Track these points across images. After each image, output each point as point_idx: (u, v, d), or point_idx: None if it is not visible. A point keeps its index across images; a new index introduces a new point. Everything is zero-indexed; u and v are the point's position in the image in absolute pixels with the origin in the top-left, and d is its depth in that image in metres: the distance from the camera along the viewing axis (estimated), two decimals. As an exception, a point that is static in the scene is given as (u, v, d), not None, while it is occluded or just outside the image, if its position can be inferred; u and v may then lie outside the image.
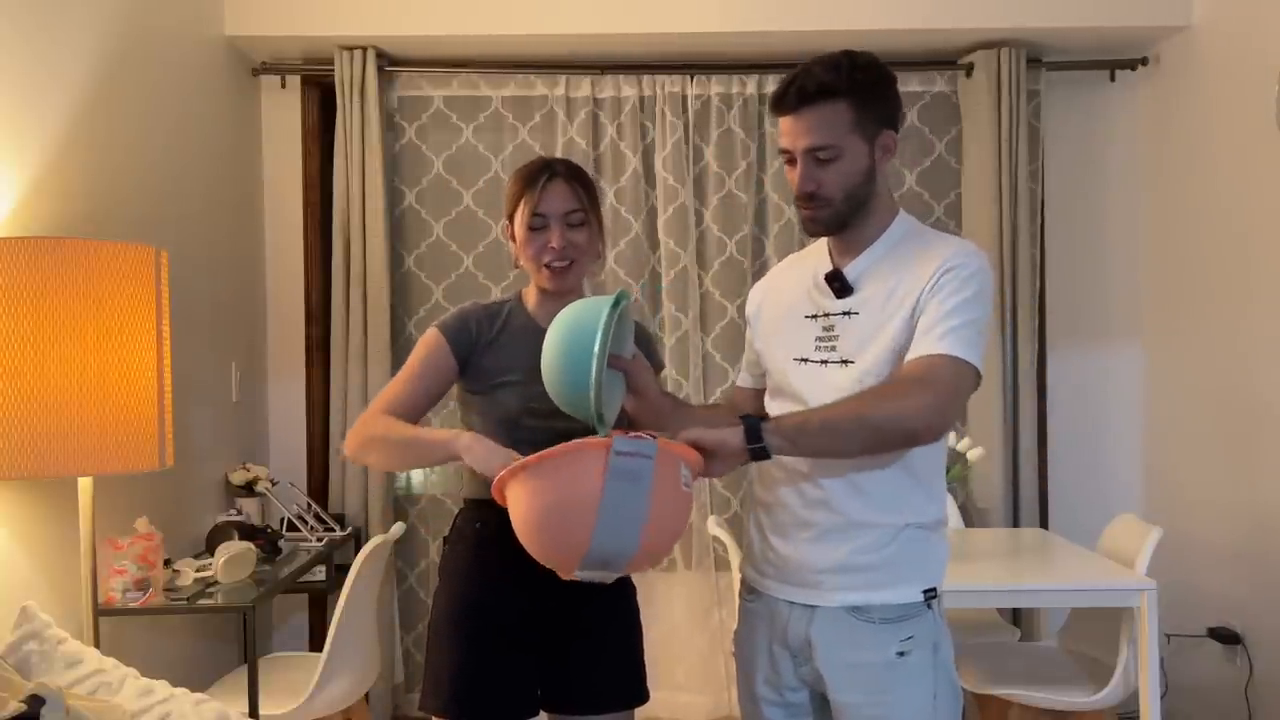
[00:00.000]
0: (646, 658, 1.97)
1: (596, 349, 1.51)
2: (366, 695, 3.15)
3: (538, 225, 1.80)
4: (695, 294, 3.63)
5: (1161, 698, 2.72)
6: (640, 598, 1.97)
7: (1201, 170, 3.37)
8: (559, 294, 1.85)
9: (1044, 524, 3.68)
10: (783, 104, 1.58)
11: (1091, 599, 2.67)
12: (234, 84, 3.47)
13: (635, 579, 1.97)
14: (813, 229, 1.64)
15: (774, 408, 1.69)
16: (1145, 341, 3.73)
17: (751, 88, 3.62)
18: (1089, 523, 3.58)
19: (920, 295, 1.55)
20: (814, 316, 1.66)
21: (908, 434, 1.50)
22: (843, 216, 1.60)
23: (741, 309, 3.63)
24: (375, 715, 3.49)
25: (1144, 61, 3.63)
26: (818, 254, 1.72)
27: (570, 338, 1.56)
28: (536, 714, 1.84)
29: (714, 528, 3.08)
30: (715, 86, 3.62)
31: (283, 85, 3.67)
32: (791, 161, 1.61)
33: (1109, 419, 3.76)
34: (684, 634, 3.66)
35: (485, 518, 1.83)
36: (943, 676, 1.60)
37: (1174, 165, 3.54)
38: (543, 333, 1.81)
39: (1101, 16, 3.39)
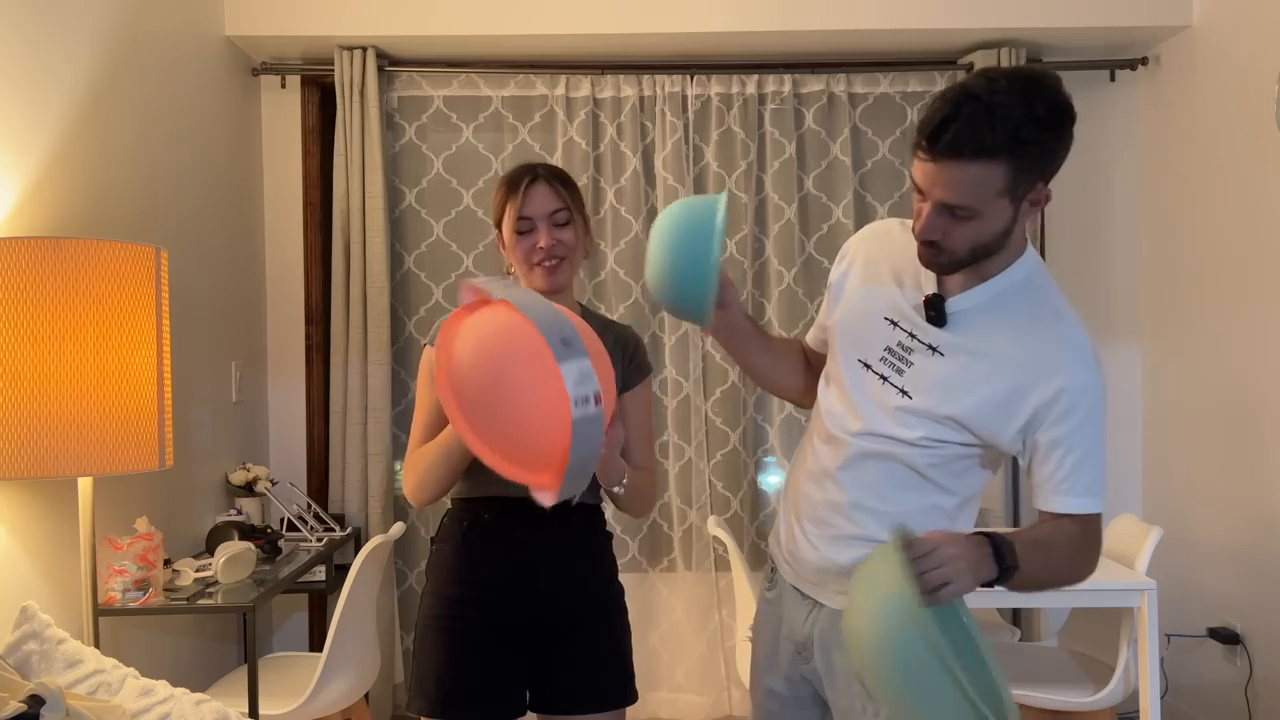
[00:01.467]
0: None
1: (715, 242, 1.45)
2: (366, 695, 3.15)
3: (524, 229, 1.81)
4: (695, 294, 3.62)
5: (1161, 698, 2.72)
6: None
7: (1201, 170, 3.37)
8: (554, 292, 1.85)
9: (1044, 524, 3.67)
10: (931, 147, 1.36)
11: (1091, 599, 2.67)
12: (234, 84, 3.47)
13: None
14: (928, 266, 1.48)
15: (828, 397, 1.61)
16: (1145, 341, 3.73)
17: (751, 88, 3.62)
18: (1089, 523, 3.57)
19: (1026, 397, 1.42)
20: (894, 323, 1.53)
21: (1072, 584, 1.48)
22: (963, 265, 1.45)
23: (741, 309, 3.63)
24: (375, 715, 3.49)
25: (1144, 61, 3.63)
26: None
27: (686, 232, 1.49)
28: (524, 714, 1.84)
29: (714, 528, 3.08)
30: (715, 86, 3.62)
31: (283, 85, 3.68)
32: (920, 194, 1.42)
33: (1109, 419, 3.75)
34: (684, 634, 3.66)
35: (473, 518, 1.84)
36: None
37: (1174, 165, 3.54)
38: None
39: (1101, 16, 3.39)
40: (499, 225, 1.85)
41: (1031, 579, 1.40)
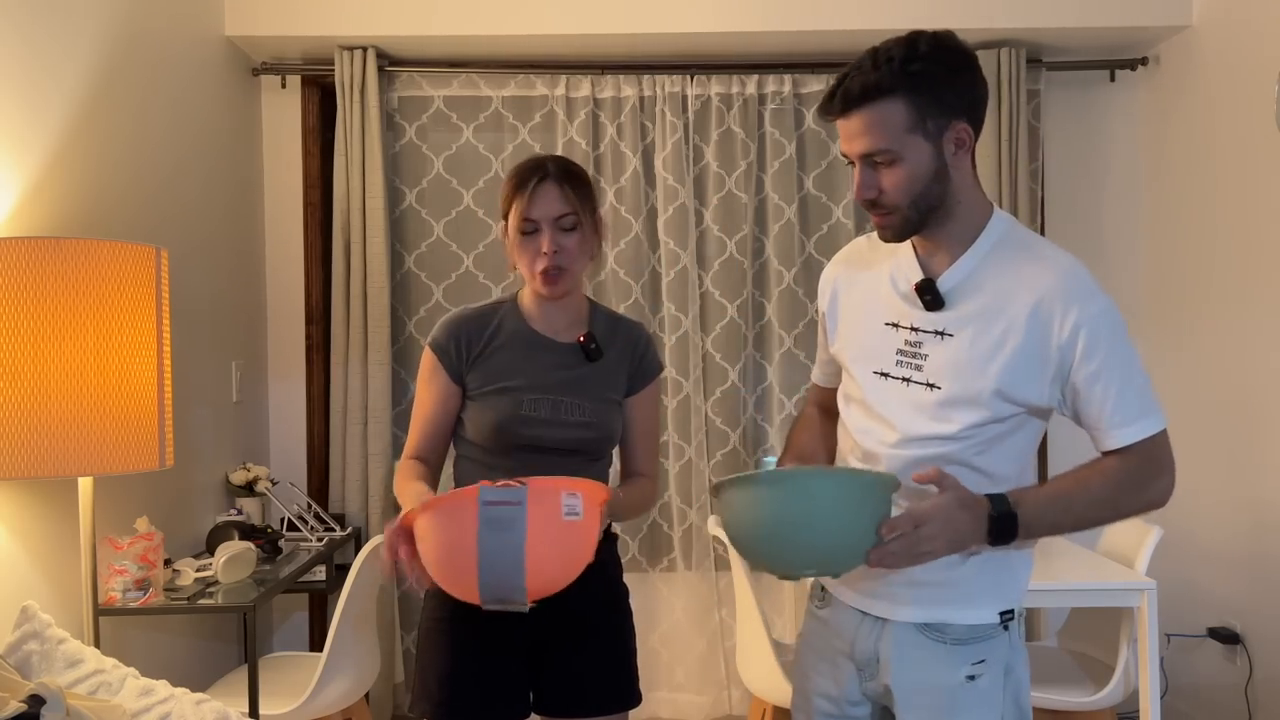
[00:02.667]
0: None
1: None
2: (366, 695, 3.15)
3: (529, 230, 1.76)
4: (695, 294, 3.63)
5: (1161, 698, 2.72)
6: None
7: (1201, 170, 3.37)
8: (553, 299, 1.83)
9: (1044, 524, 3.67)
10: (829, 108, 1.43)
11: (1091, 599, 2.67)
12: (234, 84, 3.47)
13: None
14: (884, 236, 1.49)
15: (852, 415, 1.58)
16: (1145, 341, 3.73)
17: (751, 88, 3.62)
18: (1089, 523, 3.57)
19: (1048, 343, 1.41)
20: (895, 325, 1.52)
21: (1151, 510, 1.47)
22: (913, 223, 1.45)
23: (741, 309, 3.64)
24: (375, 715, 3.49)
25: (1144, 61, 3.63)
26: (899, 247, 1.54)
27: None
28: (527, 716, 1.83)
29: (714, 528, 3.08)
30: (715, 86, 3.62)
31: (283, 85, 3.68)
32: (851, 162, 1.47)
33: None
34: (684, 634, 3.66)
35: None
36: (1010, 701, 1.50)
37: (1174, 165, 3.54)
38: (537, 338, 1.82)
39: (1101, 16, 3.39)
40: (505, 217, 1.81)
41: (1056, 528, 1.42)
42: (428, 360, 1.84)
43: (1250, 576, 3.13)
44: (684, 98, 3.62)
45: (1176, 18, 3.39)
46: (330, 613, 2.93)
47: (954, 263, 1.47)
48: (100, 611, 2.27)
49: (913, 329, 1.49)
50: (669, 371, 3.61)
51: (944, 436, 1.46)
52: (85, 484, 2.13)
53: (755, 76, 3.61)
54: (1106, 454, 1.45)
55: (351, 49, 3.48)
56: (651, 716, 3.60)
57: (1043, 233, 3.70)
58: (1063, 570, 2.77)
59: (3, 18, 2.20)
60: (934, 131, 1.40)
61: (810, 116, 3.66)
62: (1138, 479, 1.43)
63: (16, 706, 1.58)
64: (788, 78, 3.61)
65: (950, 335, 1.46)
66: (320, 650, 2.68)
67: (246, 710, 2.47)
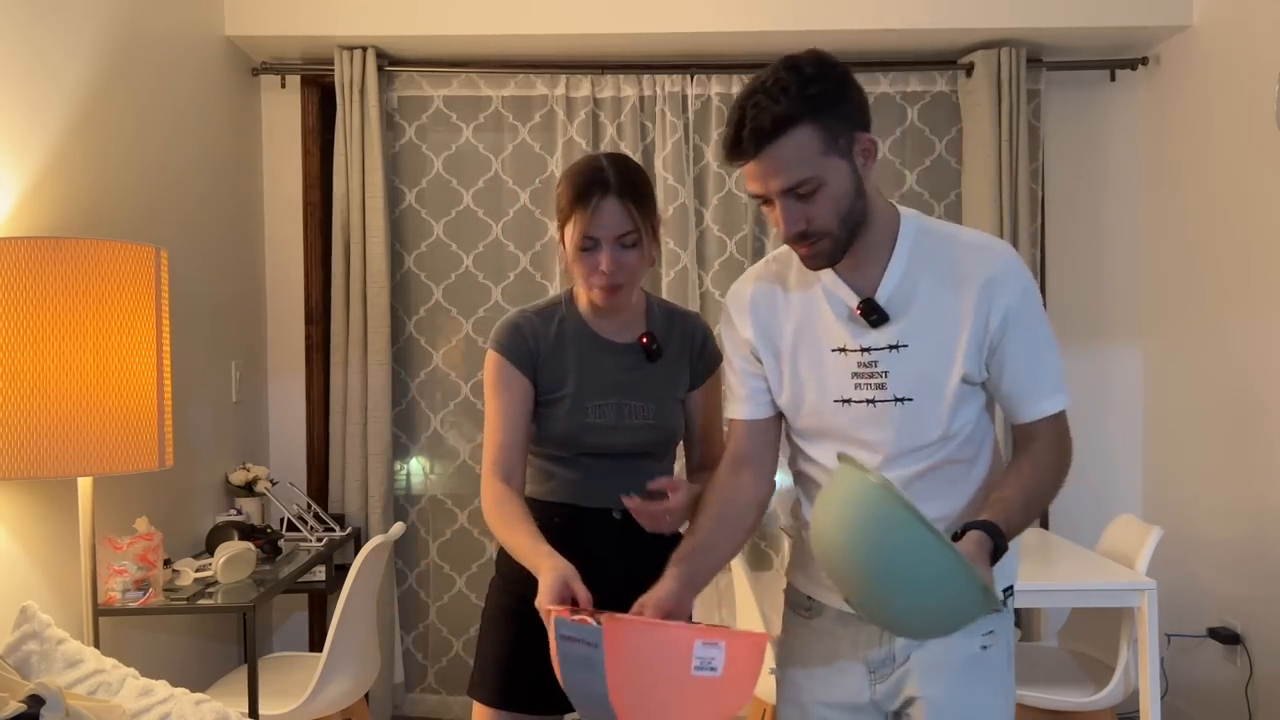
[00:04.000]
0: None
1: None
2: (366, 695, 3.15)
3: (588, 246, 1.70)
4: (695, 294, 3.62)
5: (1161, 698, 2.72)
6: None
7: (1201, 170, 3.37)
8: (611, 312, 1.81)
9: (1044, 524, 3.68)
10: (739, 150, 1.39)
11: (1092, 599, 2.67)
12: (234, 84, 3.47)
13: None
14: (817, 265, 1.45)
15: (821, 448, 1.54)
16: (1145, 341, 3.73)
17: (751, 88, 3.62)
18: (1089, 523, 3.58)
19: (985, 327, 1.43)
20: (843, 350, 1.49)
21: (1066, 469, 1.49)
22: (843, 244, 1.43)
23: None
24: (375, 715, 3.49)
25: (1144, 61, 3.63)
26: (814, 273, 1.51)
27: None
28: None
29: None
30: (715, 86, 3.62)
31: (283, 85, 3.68)
32: (767, 202, 1.43)
33: (1109, 419, 3.76)
34: (684, 634, 3.65)
35: (545, 519, 1.76)
36: (1011, 674, 1.56)
37: (1174, 165, 3.54)
38: (597, 339, 1.80)
39: (1101, 16, 3.39)
40: (561, 227, 1.75)
41: (1019, 532, 1.42)
42: (498, 365, 1.78)
43: (1250, 576, 3.13)
44: (684, 98, 3.62)
45: (1176, 18, 3.39)
46: (330, 613, 2.93)
47: (883, 273, 1.46)
48: (100, 611, 2.27)
49: (862, 350, 1.48)
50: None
51: (932, 443, 1.48)
52: (85, 484, 2.13)
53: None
54: (1023, 429, 1.49)
55: (351, 49, 3.48)
56: (651, 716, 3.59)
57: (1043, 233, 3.70)
58: (1063, 570, 2.77)
59: (3, 17, 2.20)
60: (845, 148, 1.40)
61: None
62: (1060, 453, 1.48)
63: (16, 706, 1.58)
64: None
65: (905, 346, 1.46)
66: (320, 650, 2.68)
67: (246, 710, 2.47)
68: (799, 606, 1.66)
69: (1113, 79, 3.69)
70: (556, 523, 1.79)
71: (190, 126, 3.10)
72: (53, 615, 2.15)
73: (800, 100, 1.35)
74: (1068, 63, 3.64)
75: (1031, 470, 1.45)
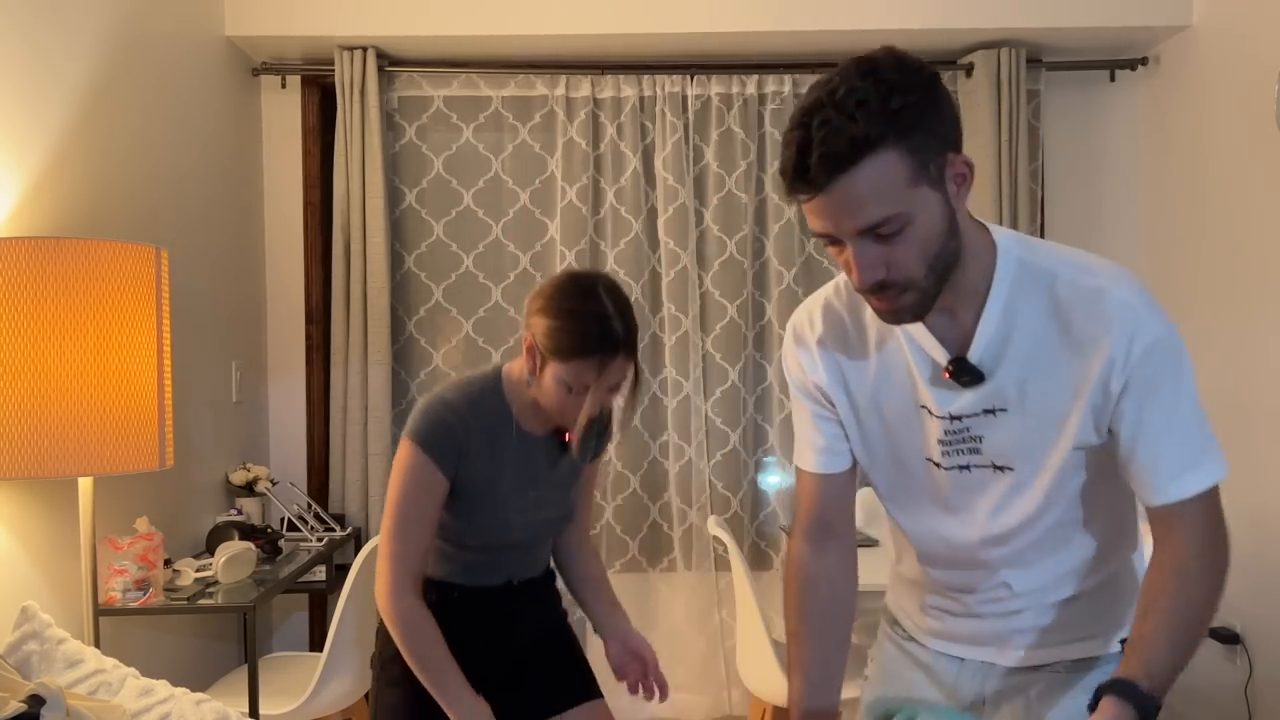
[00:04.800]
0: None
1: None
2: (366, 695, 3.15)
3: (578, 390, 1.63)
4: (695, 294, 3.63)
5: (1161, 698, 2.71)
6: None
7: (1201, 170, 3.37)
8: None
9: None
10: (805, 181, 1.09)
11: (1091, 599, 2.66)
12: (234, 84, 3.47)
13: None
14: (894, 320, 1.18)
15: (902, 515, 1.37)
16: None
17: (751, 88, 3.62)
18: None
19: (1105, 390, 1.16)
20: (927, 410, 1.27)
21: (1224, 574, 1.19)
22: (932, 296, 1.15)
23: (741, 309, 3.64)
24: (375, 715, 3.49)
25: (1144, 61, 3.63)
26: None
27: None
28: None
29: (714, 528, 3.08)
30: (715, 86, 3.62)
31: (283, 85, 3.68)
32: (834, 242, 1.14)
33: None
34: (684, 634, 3.66)
35: (439, 595, 1.81)
36: None
37: (1174, 165, 3.54)
38: (523, 435, 1.75)
39: (1101, 16, 3.39)
40: (546, 351, 1.62)
41: (1179, 670, 1.15)
42: (421, 467, 1.66)
43: (1250, 577, 3.13)
44: (684, 98, 3.62)
45: (1176, 18, 3.39)
46: (330, 613, 2.93)
47: (977, 321, 1.20)
48: (100, 611, 2.27)
49: (951, 417, 1.24)
50: (669, 371, 3.61)
51: (1037, 512, 1.26)
52: (85, 484, 2.13)
53: (755, 76, 3.61)
54: (1158, 514, 1.18)
55: (351, 49, 3.48)
56: (652, 717, 3.60)
57: (1043, 233, 3.70)
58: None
59: (3, 17, 2.20)
60: (936, 175, 1.10)
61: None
62: (1214, 563, 1.16)
63: (16, 706, 1.58)
64: (788, 78, 3.61)
65: (1003, 410, 1.21)
66: (320, 650, 2.68)
67: (246, 710, 2.47)
68: (891, 624, 1.52)
69: (1113, 79, 3.69)
70: (455, 597, 1.81)
71: (190, 127, 3.10)
72: (53, 615, 2.15)
73: (883, 117, 1.06)
74: (1068, 63, 3.64)
75: (1177, 588, 1.15)
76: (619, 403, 1.71)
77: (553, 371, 1.62)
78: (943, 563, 1.36)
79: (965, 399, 1.23)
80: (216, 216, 3.29)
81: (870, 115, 1.05)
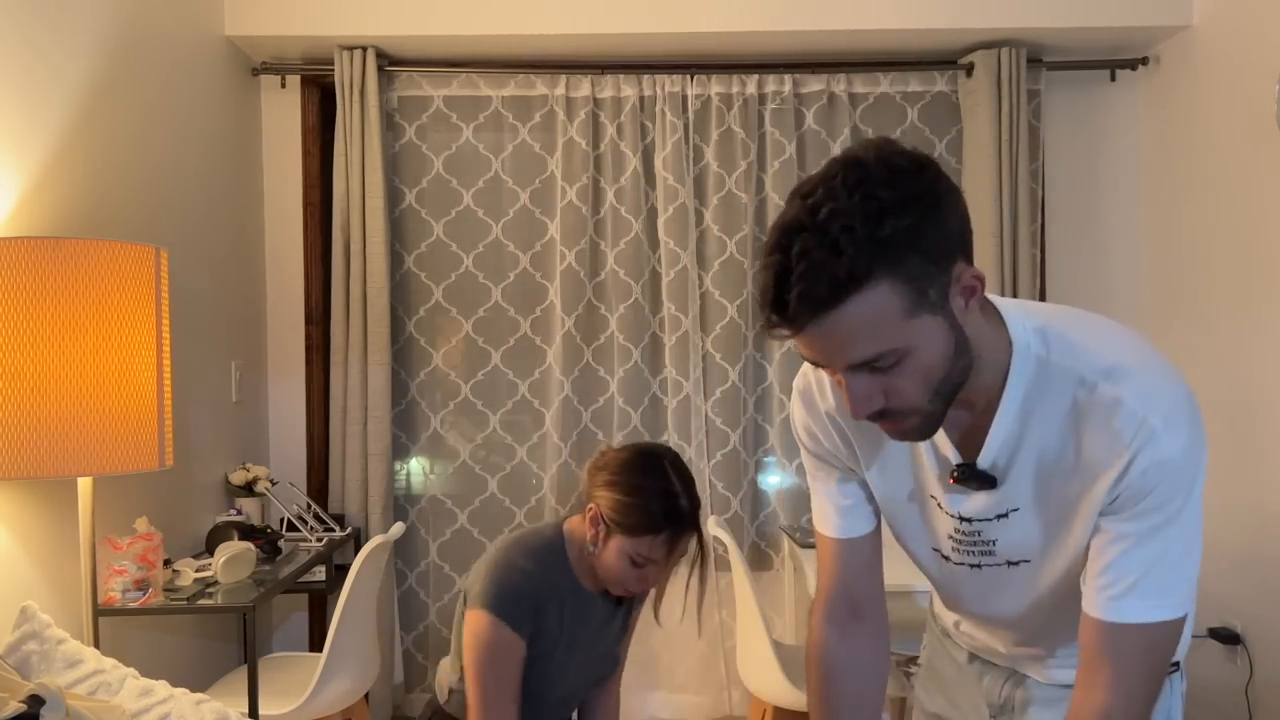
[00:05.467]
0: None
1: None
2: (366, 695, 3.15)
3: (641, 564, 1.68)
4: (695, 294, 3.63)
5: (1162, 698, 2.71)
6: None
7: (1201, 170, 3.37)
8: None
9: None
10: (784, 317, 0.98)
11: (1092, 599, 2.66)
12: (234, 84, 3.47)
13: None
14: (902, 439, 1.10)
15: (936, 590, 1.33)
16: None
17: (751, 88, 3.62)
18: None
19: (1101, 493, 1.08)
20: (939, 504, 1.20)
21: None
22: (938, 418, 1.06)
23: (741, 309, 3.64)
24: (375, 715, 3.49)
25: (1144, 61, 3.63)
26: None
27: None
28: None
29: (714, 528, 3.08)
30: (715, 86, 3.62)
31: (283, 85, 3.68)
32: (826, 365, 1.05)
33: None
34: (684, 634, 3.66)
35: None
36: None
37: (1174, 165, 3.54)
38: (581, 594, 1.78)
39: (1101, 16, 3.39)
40: (613, 522, 1.66)
41: None
42: (499, 634, 1.64)
43: (1250, 576, 3.13)
44: (684, 98, 3.62)
45: (1176, 18, 3.39)
46: (330, 613, 2.93)
47: (988, 427, 1.12)
48: (100, 612, 2.27)
49: (962, 519, 1.18)
50: (669, 371, 3.61)
51: (1051, 593, 1.19)
52: (85, 484, 2.13)
53: (755, 76, 3.61)
54: (1089, 630, 1.10)
55: (351, 49, 3.48)
56: (651, 717, 3.60)
57: (1043, 233, 3.69)
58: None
59: (3, 17, 2.20)
60: (938, 299, 0.99)
61: (810, 116, 3.66)
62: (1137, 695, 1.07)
63: (16, 707, 1.57)
64: (788, 78, 3.61)
65: (1016, 510, 1.14)
66: (320, 650, 2.68)
67: (246, 710, 2.47)
68: (935, 619, 1.49)
69: (1113, 79, 3.69)
70: None
71: (190, 126, 3.10)
72: (53, 615, 2.15)
73: (872, 247, 0.93)
74: (1068, 63, 3.64)
75: None
76: (668, 572, 1.74)
77: (618, 545, 1.66)
78: (968, 624, 1.36)
79: (976, 502, 1.15)
80: (216, 216, 3.29)
81: (857, 246, 0.93)
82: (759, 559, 3.71)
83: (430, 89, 3.66)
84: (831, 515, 1.29)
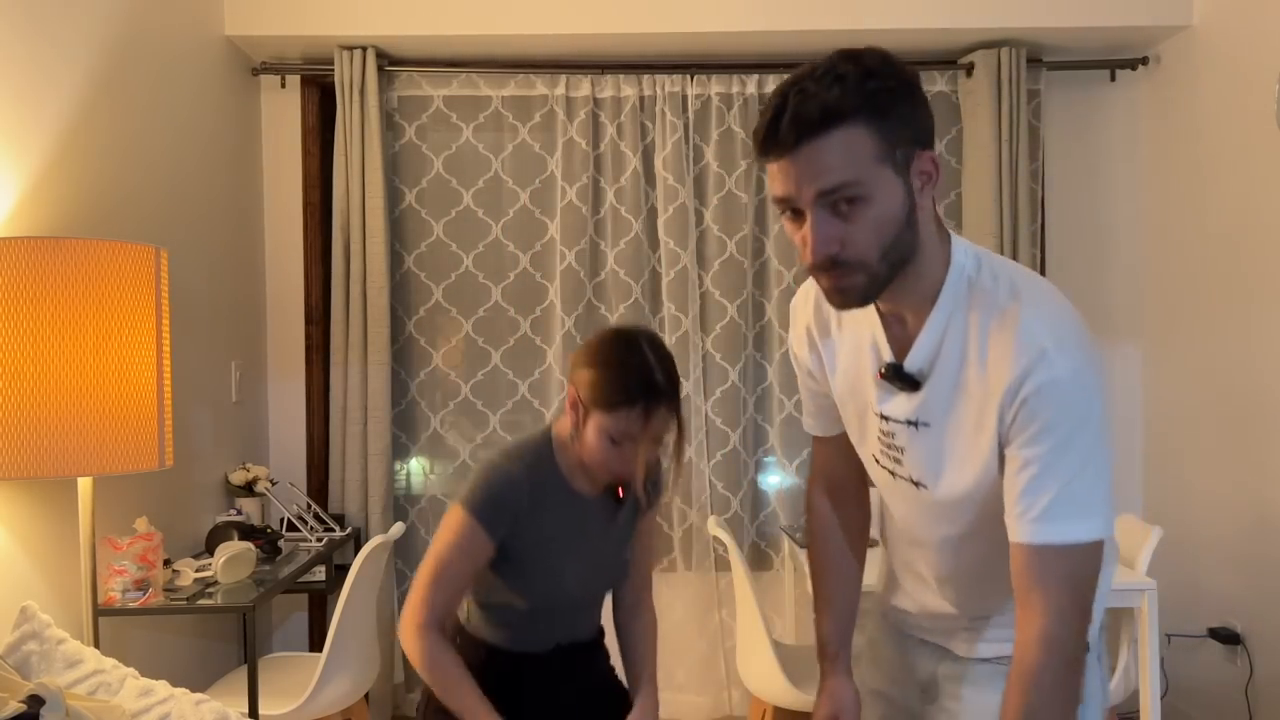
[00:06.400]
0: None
1: None
2: (366, 695, 3.15)
3: (622, 442, 1.64)
4: (695, 294, 3.63)
5: (1161, 698, 2.72)
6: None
7: (1201, 170, 3.37)
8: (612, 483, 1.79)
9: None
10: (774, 142, 1.12)
11: (1092, 599, 2.66)
12: (234, 84, 3.47)
13: None
14: (840, 302, 1.18)
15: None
16: (1145, 341, 3.73)
17: (751, 88, 3.62)
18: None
19: (999, 425, 1.17)
20: (871, 404, 1.32)
21: (1076, 674, 1.17)
22: (881, 281, 1.16)
23: (741, 309, 3.64)
24: (375, 715, 3.49)
25: (1144, 61, 3.63)
26: (868, 311, 1.30)
27: None
28: None
29: (714, 528, 3.08)
30: (715, 86, 3.62)
31: (283, 85, 3.68)
32: (793, 214, 1.16)
33: (1109, 419, 3.75)
34: (684, 634, 3.66)
35: (484, 659, 1.81)
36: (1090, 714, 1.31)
37: (1174, 165, 3.54)
38: (575, 497, 1.76)
39: (1101, 16, 3.39)
40: (588, 403, 1.64)
41: None
42: (471, 533, 1.66)
43: (1250, 576, 3.13)
44: (684, 98, 3.62)
45: (1176, 18, 3.39)
46: (330, 613, 2.93)
47: (918, 333, 1.23)
48: (100, 612, 2.27)
49: (884, 418, 1.28)
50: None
51: (954, 532, 1.30)
52: (85, 484, 2.13)
53: (755, 76, 3.61)
54: (1017, 557, 1.16)
55: (351, 49, 3.48)
56: (651, 716, 3.60)
57: (1043, 233, 3.70)
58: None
59: (2, 17, 2.19)
60: (902, 162, 1.13)
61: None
62: (1064, 657, 1.14)
63: (16, 707, 1.58)
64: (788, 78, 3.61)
65: (926, 425, 1.24)
66: (320, 650, 2.68)
67: (246, 710, 2.47)
68: (880, 600, 1.58)
69: (1113, 79, 3.69)
70: (500, 664, 1.80)
71: (190, 126, 3.10)
72: (53, 615, 2.15)
73: (858, 93, 1.10)
74: (1068, 63, 3.64)
75: (1017, 696, 1.14)
76: (664, 457, 1.71)
77: (596, 423, 1.64)
78: (901, 537, 1.44)
79: (899, 403, 1.26)
80: (216, 216, 3.29)
81: (846, 90, 1.10)
82: (759, 559, 3.71)
83: (430, 89, 3.66)
84: (807, 417, 1.52)
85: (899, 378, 1.24)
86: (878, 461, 1.34)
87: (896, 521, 1.41)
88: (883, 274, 1.16)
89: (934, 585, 1.40)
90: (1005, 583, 1.23)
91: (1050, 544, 1.13)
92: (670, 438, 1.69)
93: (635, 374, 1.62)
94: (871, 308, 1.28)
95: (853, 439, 1.40)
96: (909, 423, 1.26)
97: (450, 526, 1.68)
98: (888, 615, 1.53)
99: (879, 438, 1.31)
